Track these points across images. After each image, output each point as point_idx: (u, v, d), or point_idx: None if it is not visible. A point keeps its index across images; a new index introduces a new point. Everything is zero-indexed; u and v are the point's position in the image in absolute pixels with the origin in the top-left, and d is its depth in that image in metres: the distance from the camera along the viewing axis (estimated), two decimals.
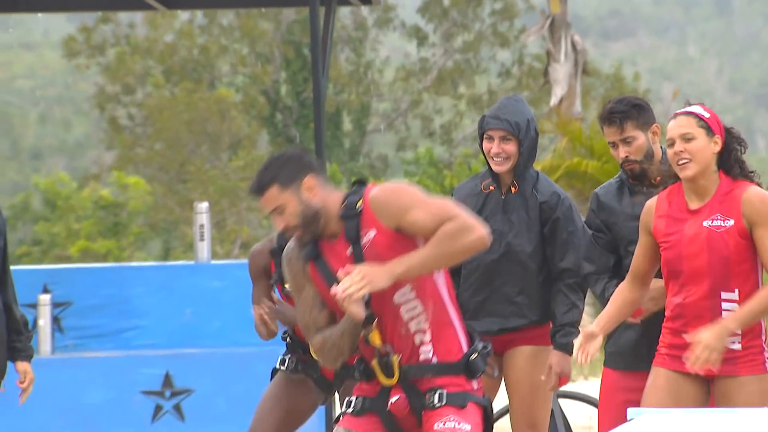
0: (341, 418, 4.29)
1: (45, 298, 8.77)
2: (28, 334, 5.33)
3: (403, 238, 4.08)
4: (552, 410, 6.19)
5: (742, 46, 57.87)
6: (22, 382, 5.26)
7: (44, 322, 8.82)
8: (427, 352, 4.15)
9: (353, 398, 4.26)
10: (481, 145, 5.41)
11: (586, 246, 5.25)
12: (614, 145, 5.19)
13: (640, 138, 5.13)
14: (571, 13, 17.96)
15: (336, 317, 4.19)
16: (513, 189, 5.35)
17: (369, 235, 4.11)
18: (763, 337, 4.69)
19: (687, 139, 4.64)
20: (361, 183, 4.20)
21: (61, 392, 8.42)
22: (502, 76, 26.88)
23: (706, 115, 4.69)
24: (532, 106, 24.08)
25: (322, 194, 4.11)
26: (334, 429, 4.28)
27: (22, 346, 5.28)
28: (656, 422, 3.04)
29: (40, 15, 23.80)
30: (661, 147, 5.14)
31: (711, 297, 4.59)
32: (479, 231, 4.03)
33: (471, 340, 4.19)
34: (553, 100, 18.91)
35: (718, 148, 4.65)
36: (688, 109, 4.70)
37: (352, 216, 4.11)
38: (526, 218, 5.33)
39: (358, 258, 4.10)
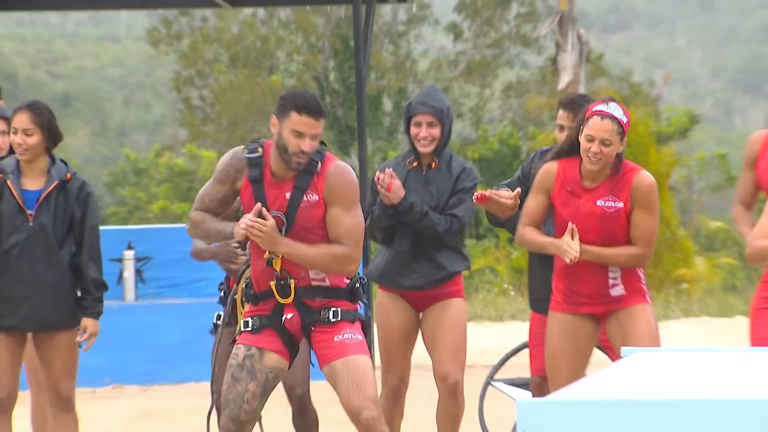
0: (237, 337, 4.93)
1: (129, 254, 9.99)
2: (97, 295, 5.67)
3: (323, 216, 4.83)
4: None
5: (723, 38, 65.15)
6: (82, 336, 5.69)
7: (129, 275, 10.03)
8: (320, 279, 4.87)
9: (249, 319, 4.89)
10: (407, 129, 6.06)
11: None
12: (561, 128, 6.01)
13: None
14: (577, 10, 20.23)
15: (217, 215, 4.94)
16: (433, 165, 6.07)
17: (312, 197, 4.82)
18: (642, 280, 5.64)
19: (606, 144, 5.41)
20: (322, 144, 4.87)
21: (143, 333, 9.48)
22: (523, 69, 29.70)
23: (624, 120, 5.46)
24: (544, 89, 27.59)
25: None
26: (234, 348, 4.90)
27: (87, 305, 5.67)
28: (646, 360, 3.10)
29: (124, 12, 30.19)
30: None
31: (598, 267, 5.53)
32: (353, 267, 4.84)
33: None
34: (561, 85, 21.00)
35: (623, 147, 5.47)
36: (613, 113, 5.42)
37: (310, 172, 4.82)
38: (442, 190, 6.06)
39: (292, 205, 4.81)
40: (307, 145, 4.75)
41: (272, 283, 4.85)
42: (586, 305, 5.64)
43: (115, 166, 32.44)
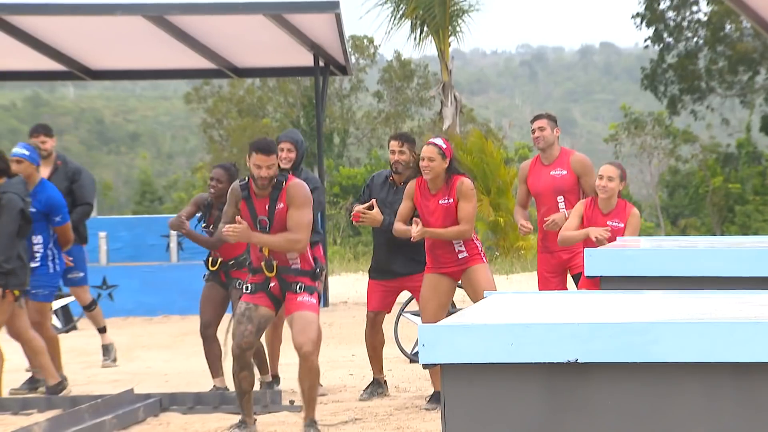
0: (241, 297, 7.18)
1: (174, 231, 12.38)
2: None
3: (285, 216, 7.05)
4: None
5: (543, 98, 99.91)
6: None
7: (173, 245, 14.42)
8: (295, 263, 7.17)
9: (248, 284, 7.21)
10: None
11: None
12: (393, 152, 8.44)
13: (408, 153, 8.39)
14: (454, 80, 30.04)
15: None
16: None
17: (280, 205, 7.12)
18: (479, 246, 7.94)
19: (431, 159, 7.79)
20: (283, 172, 7.23)
21: (183, 282, 12.54)
22: (420, 119, 45.63)
23: (444, 146, 7.87)
24: (434, 130, 39.12)
25: None
26: (239, 304, 7.17)
27: None
28: (502, 299, 4.03)
29: (172, 81, 55.18)
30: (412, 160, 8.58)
31: (446, 241, 7.99)
32: (300, 246, 7.11)
33: (316, 263, 7.28)
34: (444, 128, 29.99)
35: (446, 164, 7.76)
36: (435, 141, 7.88)
37: (278, 188, 7.14)
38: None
39: (271, 210, 7.13)
40: (264, 172, 7.05)
41: (262, 263, 7.17)
42: (444, 267, 7.97)
43: (167, 178, 52.20)
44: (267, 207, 7.17)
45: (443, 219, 7.94)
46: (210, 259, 8.86)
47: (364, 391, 8.89)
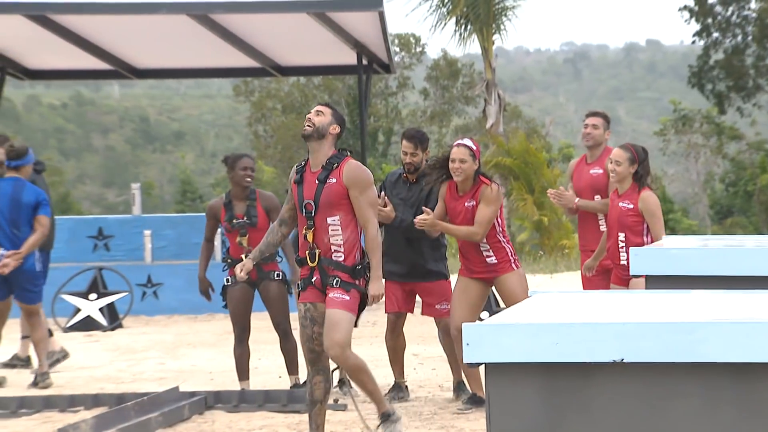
0: (298, 297, 6.83)
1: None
2: None
3: (345, 195, 6.57)
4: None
5: (587, 96, 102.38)
6: None
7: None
8: (338, 256, 6.63)
9: (300, 281, 6.80)
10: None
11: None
12: (405, 153, 8.47)
13: (421, 155, 8.44)
14: (497, 78, 30.39)
15: (295, 212, 6.80)
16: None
17: (332, 180, 6.57)
18: (509, 251, 8.01)
19: (462, 161, 7.88)
20: (344, 150, 6.64)
21: None
22: (465, 117, 47.05)
23: (474, 147, 7.95)
24: (479, 129, 40.23)
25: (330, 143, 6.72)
26: (298, 306, 6.83)
27: None
28: (546, 298, 4.00)
29: (216, 79, 58.45)
30: (426, 159, 8.57)
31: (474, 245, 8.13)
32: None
33: (363, 258, 6.70)
34: (488, 126, 30.63)
35: (476, 166, 7.88)
36: (465, 142, 7.95)
37: (330, 167, 6.60)
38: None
39: (319, 188, 6.58)
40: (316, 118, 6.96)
41: (307, 252, 6.70)
42: (475, 272, 8.15)
43: (211, 176, 54.04)
44: (317, 182, 6.74)
45: (469, 221, 8.03)
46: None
47: (385, 395, 8.70)
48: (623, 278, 8.04)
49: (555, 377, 3.27)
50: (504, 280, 8.10)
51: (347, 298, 6.62)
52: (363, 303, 6.73)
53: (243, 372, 8.97)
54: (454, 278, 8.46)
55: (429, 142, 8.69)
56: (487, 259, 8.05)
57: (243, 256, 8.62)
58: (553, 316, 3.56)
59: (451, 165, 7.95)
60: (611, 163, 8.14)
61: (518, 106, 51.35)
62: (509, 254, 8.12)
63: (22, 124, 67.44)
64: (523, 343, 3.25)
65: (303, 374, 9.15)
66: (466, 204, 8.02)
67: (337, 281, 6.62)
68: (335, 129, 6.66)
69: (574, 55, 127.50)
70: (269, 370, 10.48)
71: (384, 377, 9.58)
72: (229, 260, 8.91)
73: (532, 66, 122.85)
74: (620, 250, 8.08)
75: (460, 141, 8.04)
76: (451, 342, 8.60)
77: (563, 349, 3.24)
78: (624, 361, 3.22)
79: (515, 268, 8.09)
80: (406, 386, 8.91)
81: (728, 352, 3.19)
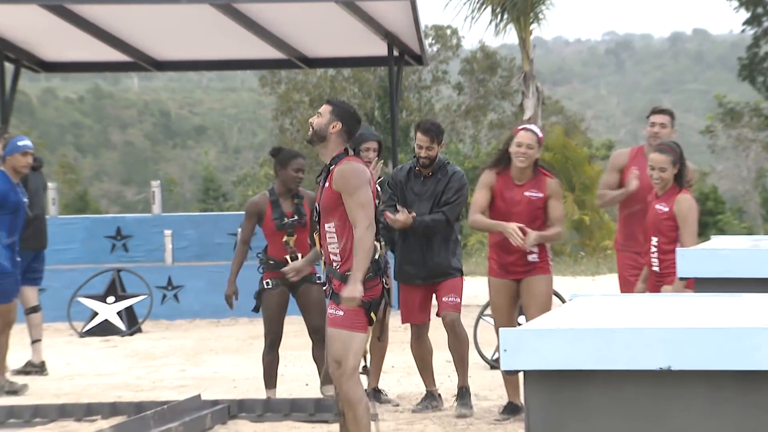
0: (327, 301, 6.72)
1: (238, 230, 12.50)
2: None
3: (338, 200, 6.38)
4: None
5: (630, 89, 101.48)
6: None
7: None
8: (337, 262, 6.45)
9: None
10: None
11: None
12: (420, 147, 8.46)
13: (436, 148, 8.43)
14: (535, 70, 29.77)
15: None
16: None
17: (327, 184, 6.47)
18: (548, 252, 8.00)
19: (529, 147, 7.82)
20: (346, 151, 6.47)
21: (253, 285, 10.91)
22: (500, 111, 45.95)
23: (540, 134, 7.92)
24: (515, 123, 40.24)
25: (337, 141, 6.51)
26: (328, 306, 6.62)
27: None
28: (588, 302, 3.99)
29: (239, 72, 61.30)
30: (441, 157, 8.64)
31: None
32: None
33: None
34: (525, 118, 30.19)
35: (539, 153, 7.86)
36: (532, 128, 7.92)
37: (327, 169, 6.50)
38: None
39: (321, 192, 6.52)
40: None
41: (287, 256, 6.77)
42: (510, 273, 8.09)
43: (234, 173, 54.31)
44: (322, 187, 6.70)
45: (527, 212, 7.95)
46: (289, 257, 8.72)
47: (417, 404, 8.79)
48: (656, 284, 7.86)
49: (597, 386, 3.25)
50: (536, 282, 8.06)
51: (340, 313, 6.41)
52: (372, 308, 6.43)
53: (271, 379, 8.94)
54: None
55: (444, 135, 8.67)
56: (530, 257, 7.99)
57: (287, 257, 8.62)
58: (595, 320, 3.55)
59: (515, 149, 7.87)
60: (653, 170, 7.86)
61: (558, 99, 51.37)
62: (548, 256, 8.14)
63: (37, 118, 67.83)
64: (563, 350, 3.24)
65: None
66: (526, 193, 7.96)
67: (332, 293, 6.45)
68: (335, 127, 6.49)
69: (616, 45, 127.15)
70: (296, 377, 10.49)
71: (416, 385, 9.57)
72: (271, 261, 8.75)
73: (572, 57, 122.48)
74: (652, 255, 7.88)
75: (527, 126, 7.98)
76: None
77: (606, 355, 3.22)
78: (671, 368, 3.20)
79: (550, 272, 8.12)
80: (439, 395, 8.87)
81: None
